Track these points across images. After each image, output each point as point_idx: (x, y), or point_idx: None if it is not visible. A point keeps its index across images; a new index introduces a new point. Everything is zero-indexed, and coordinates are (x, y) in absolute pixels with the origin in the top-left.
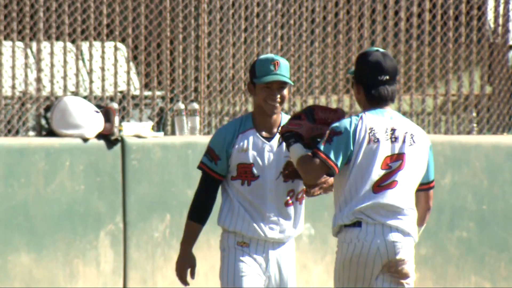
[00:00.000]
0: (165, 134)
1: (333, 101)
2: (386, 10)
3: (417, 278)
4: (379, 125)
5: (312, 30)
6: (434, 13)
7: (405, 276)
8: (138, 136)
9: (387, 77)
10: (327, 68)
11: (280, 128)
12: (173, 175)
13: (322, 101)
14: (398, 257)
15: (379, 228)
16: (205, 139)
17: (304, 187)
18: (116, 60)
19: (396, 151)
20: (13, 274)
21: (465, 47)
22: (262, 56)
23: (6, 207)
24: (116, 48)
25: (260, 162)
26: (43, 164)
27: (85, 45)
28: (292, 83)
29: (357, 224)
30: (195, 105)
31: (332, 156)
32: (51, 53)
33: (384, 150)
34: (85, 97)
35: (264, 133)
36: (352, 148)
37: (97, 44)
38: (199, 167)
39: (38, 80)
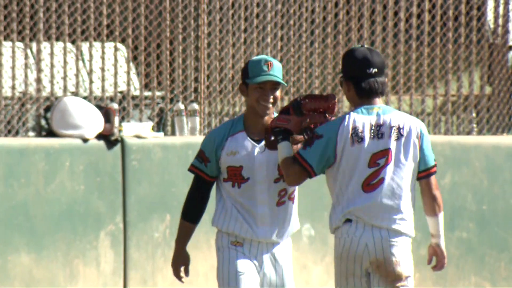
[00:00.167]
0: (165, 134)
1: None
2: (386, 10)
3: (417, 278)
4: (364, 124)
5: (312, 31)
6: (433, 14)
7: (399, 277)
8: (138, 137)
9: (376, 70)
10: (326, 68)
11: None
12: (173, 175)
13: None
14: (386, 257)
15: (368, 226)
16: None
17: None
18: (116, 60)
19: (383, 147)
20: (13, 274)
21: (465, 47)
22: (254, 57)
23: (6, 207)
24: (116, 49)
25: (250, 165)
26: (43, 164)
27: (85, 46)
28: (285, 84)
29: (348, 220)
30: (195, 106)
31: (310, 160)
32: (51, 54)
33: (370, 148)
34: (85, 98)
35: (254, 135)
36: (334, 150)
37: (97, 45)
38: (189, 169)
39: (38, 80)
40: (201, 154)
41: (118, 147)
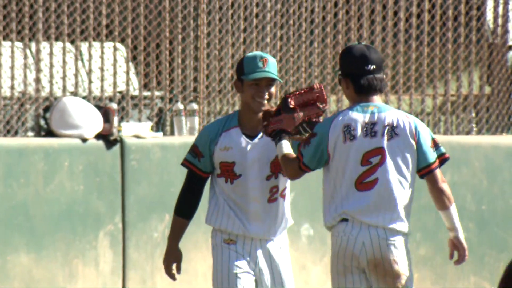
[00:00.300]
0: (164, 134)
1: (332, 101)
2: (385, 10)
3: (417, 278)
4: (357, 121)
5: (311, 31)
6: (433, 14)
7: (397, 276)
8: (137, 137)
9: (374, 67)
10: (326, 68)
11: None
12: (172, 175)
13: None
14: (384, 257)
15: (365, 225)
16: None
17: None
18: (115, 60)
19: (375, 146)
20: (12, 274)
21: (464, 47)
22: (249, 54)
23: (6, 207)
24: (115, 49)
25: (242, 161)
26: (42, 165)
27: (84, 46)
28: (281, 80)
29: (344, 219)
30: (194, 106)
31: (305, 158)
32: (50, 54)
33: (362, 146)
34: (84, 98)
35: (248, 132)
36: (326, 147)
37: (96, 45)
38: (182, 164)
39: (37, 80)
40: (194, 149)
41: (117, 147)
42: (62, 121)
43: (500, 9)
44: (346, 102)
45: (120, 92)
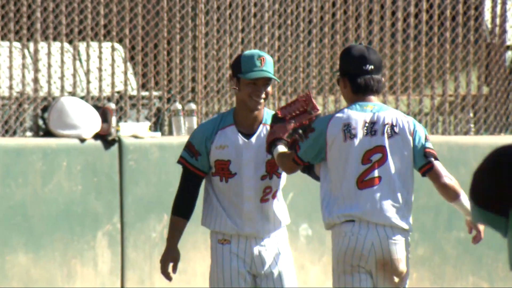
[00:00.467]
0: (162, 134)
1: (330, 101)
2: (383, 10)
3: (415, 278)
4: (357, 120)
5: (309, 31)
6: (431, 14)
7: (401, 274)
8: (135, 137)
9: (372, 67)
10: (324, 68)
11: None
12: (170, 175)
13: (320, 101)
14: (393, 256)
15: (372, 225)
16: None
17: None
18: (113, 60)
19: (376, 144)
20: (10, 274)
21: (462, 47)
22: (247, 52)
23: (4, 207)
24: (113, 49)
25: (238, 160)
26: (40, 165)
27: (82, 46)
28: (278, 80)
29: (351, 220)
30: (192, 106)
31: (300, 151)
32: (48, 54)
33: (363, 145)
34: (82, 98)
35: (244, 130)
36: (325, 143)
37: (94, 45)
38: (179, 162)
39: (35, 80)
40: (190, 148)
41: (115, 147)
42: (60, 121)
43: (498, 9)
44: (344, 102)
45: (118, 92)
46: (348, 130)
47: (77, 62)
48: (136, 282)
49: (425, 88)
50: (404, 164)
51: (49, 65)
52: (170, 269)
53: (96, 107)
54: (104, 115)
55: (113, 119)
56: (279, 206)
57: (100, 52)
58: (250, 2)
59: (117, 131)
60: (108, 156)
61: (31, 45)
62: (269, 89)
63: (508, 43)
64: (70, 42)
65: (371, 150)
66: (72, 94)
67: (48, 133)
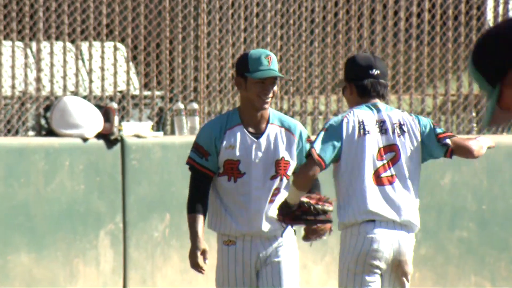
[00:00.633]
0: (165, 134)
1: (333, 101)
2: (386, 10)
3: (417, 278)
4: (368, 118)
5: (312, 30)
6: (433, 13)
7: (408, 274)
8: (138, 136)
9: (378, 72)
10: (326, 68)
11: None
12: (172, 175)
13: (322, 101)
14: (405, 257)
15: (391, 225)
16: None
17: (302, 234)
18: (115, 60)
19: (388, 143)
20: (13, 274)
21: (465, 47)
22: (253, 51)
23: (6, 207)
24: (115, 48)
25: (247, 159)
26: (42, 164)
27: (84, 45)
28: (289, 78)
29: (370, 220)
30: (195, 105)
31: (321, 151)
32: (51, 53)
33: (377, 141)
34: (84, 97)
35: (251, 129)
36: (341, 142)
37: (96, 44)
38: (187, 163)
39: (38, 80)
40: (199, 149)
41: (117, 147)
42: (62, 120)
43: (501, 9)
44: (345, 102)
45: (120, 92)
46: (362, 126)
47: (80, 62)
48: (138, 281)
49: (428, 88)
50: (413, 163)
51: (52, 65)
52: (201, 261)
53: (99, 106)
54: (107, 114)
55: (116, 119)
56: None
57: (103, 52)
58: (253, 1)
59: (120, 130)
60: (110, 155)
61: (34, 44)
62: (276, 88)
63: None
64: (73, 42)
65: (385, 147)
66: (75, 93)
67: (50, 133)
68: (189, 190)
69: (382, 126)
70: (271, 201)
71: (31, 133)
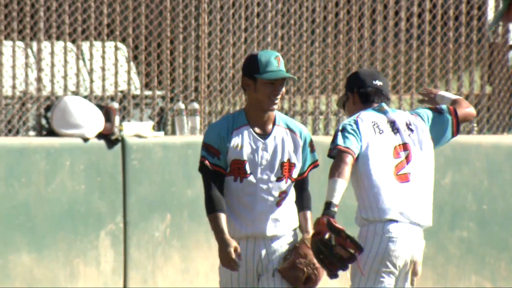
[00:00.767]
0: (166, 134)
1: (333, 101)
2: (387, 10)
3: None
4: (379, 119)
5: (313, 30)
6: (434, 13)
7: (419, 273)
8: (139, 136)
9: (381, 83)
10: (327, 68)
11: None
12: (173, 175)
13: (323, 100)
14: (420, 258)
15: (411, 225)
16: None
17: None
18: (116, 60)
19: (401, 142)
20: (14, 274)
21: (465, 47)
22: (262, 52)
23: (7, 207)
24: (116, 48)
25: (254, 160)
26: (43, 164)
27: (85, 45)
28: (296, 79)
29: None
30: (196, 105)
31: (344, 144)
32: (52, 53)
33: (392, 140)
34: (85, 97)
35: (258, 130)
36: (361, 137)
37: (97, 44)
38: (202, 163)
39: (39, 79)
40: (210, 149)
41: (118, 147)
42: (63, 120)
43: None
44: None
45: (121, 92)
46: (376, 126)
47: (81, 62)
48: (139, 281)
49: (428, 88)
50: (426, 161)
51: (52, 65)
52: (235, 257)
53: (99, 106)
54: (107, 114)
55: (116, 119)
56: (290, 209)
57: (103, 52)
58: (253, 1)
59: (120, 130)
60: (111, 155)
61: (34, 44)
62: (284, 89)
63: (511, 42)
64: (73, 42)
65: (399, 146)
66: (75, 93)
67: (51, 133)
68: (205, 191)
69: (393, 126)
70: (278, 204)
71: (32, 133)
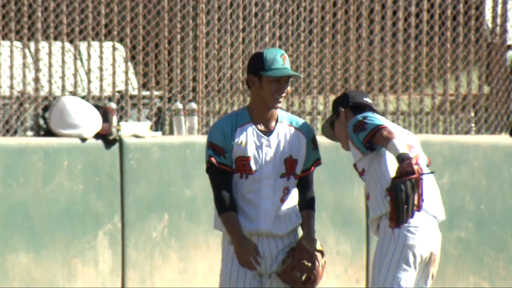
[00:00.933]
0: (163, 134)
1: (331, 101)
2: (384, 10)
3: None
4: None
5: (310, 30)
6: (432, 13)
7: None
8: (136, 136)
9: (371, 101)
10: (325, 68)
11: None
12: (171, 175)
13: (320, 101)
14: (437, 252)
15: (429, 218)
16: (203, 139)
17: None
18: (114, 60)
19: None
20: (11, 274)
21: (463, 47)
22: (268, 50)
23: (5, 207)
24: (114, 48)
25: (258, 156)
26: (41, 164)
27: (83, 45)
28: (301, 77)
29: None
30: (193, 105)
31: (377, 123)
32: (49, 53)
33: (404, 135)
34: (83, 97)
35: (261, 127)
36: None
37: (95, 44)
38: (209, 162)
39: (36, 80)
40: (216, 148)
41: (116, 147)
42: (61, 120)
43: (499, 9)
44: None
45: (119, 92)
46: (387, 123)
47: (78, 62)
48: (137, 281)
49: (426, 88)
50: (424, 160)
51: (50, 65)
52: (254, 255)
53: (97, 106)
54: (105, 114)
55: (114, 119)
56: (293, 207)
57: (101, 52)
58: (251, 1)
59: (118, 130)
60: (109, 155)
61: (32, 44)
62: (289, 87)
63: (509, 42)
64: (71, 42)
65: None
66: (73, 93)
67: (49, 133)
68: (214, 191)
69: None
70: (283, 201)
71: (29, 133)
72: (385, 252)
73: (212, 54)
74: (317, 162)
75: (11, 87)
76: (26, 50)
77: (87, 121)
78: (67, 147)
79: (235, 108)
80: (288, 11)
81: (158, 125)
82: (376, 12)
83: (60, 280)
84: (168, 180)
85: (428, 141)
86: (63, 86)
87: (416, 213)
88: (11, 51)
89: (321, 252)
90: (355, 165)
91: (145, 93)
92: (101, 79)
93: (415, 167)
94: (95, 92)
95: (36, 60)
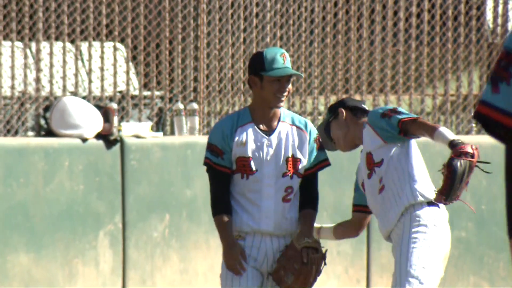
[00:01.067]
0: (164, 134)
1: (332, 101)
2: (385, 10)
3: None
4: None
5: (311, 30)
6: (433, 13)
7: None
8: (137, 136)
9: (368, 109)
10: (326, 68)
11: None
12: (172, 175)
13: (321, 101)
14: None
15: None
16: (205, 139)
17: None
18: (115, 60)
19: None
20: (12, 274)
21: (464, 47)
22: (268, 49)
23: (5, 207)
24: (115, 48)
25: (259, 156)
26: (42, 164)
27: (84, 45)
28: (301, 75)
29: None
30: (194, 105)
31: (410, 114)
32: (50, 53)
33: None
34: (84, 97)
35: (263, 127)
36: None
37: (96, 44)
38: (206, 164)
39: (37, 80)
40: (214, 149)
41: (117, 147)
42: (62, 120)
43: (500, 9)
44: None
45: (120, 92)
46: None
47: (79, 62)
48: (138, 282)
49: (427, 88)
50: None
51: (51, 65)
52: (241, 259)
53: (98, 107)
54: (106, 115)
55: (115, 119)
56: (296, 206)
57: (102, 52)
58: (252, 1)
59: (119, 131)
60: (110, 156)
61: (33, 44)
62: (290, 86)
63: None
64: (72, 42)
65: None
66: (74, 94)
67: (50, 133)
68: (211, 192)
69: None
70: (286, 200)
71: (30, 133)
72: (437, 246)
73: (213, 54)
74: (324, 163)
75: (12, 87)
76: (27, 50)
77: (88, 121)
78: (68, 147)
79: (236, 108)
80: (289, 11)
81: (159, 126)
82: (377, 12)
83: (61, 280)
84: (169, 180)
85: (428, 141)
86: (64, 86)
87: (440, 208)
88: (12, 51)
89: (313, 248)
90: (369, 154)
91: (146, 93)
92: (102, 79)
93: (476, 152)
94: (96, 92)
95: (37, 60)
